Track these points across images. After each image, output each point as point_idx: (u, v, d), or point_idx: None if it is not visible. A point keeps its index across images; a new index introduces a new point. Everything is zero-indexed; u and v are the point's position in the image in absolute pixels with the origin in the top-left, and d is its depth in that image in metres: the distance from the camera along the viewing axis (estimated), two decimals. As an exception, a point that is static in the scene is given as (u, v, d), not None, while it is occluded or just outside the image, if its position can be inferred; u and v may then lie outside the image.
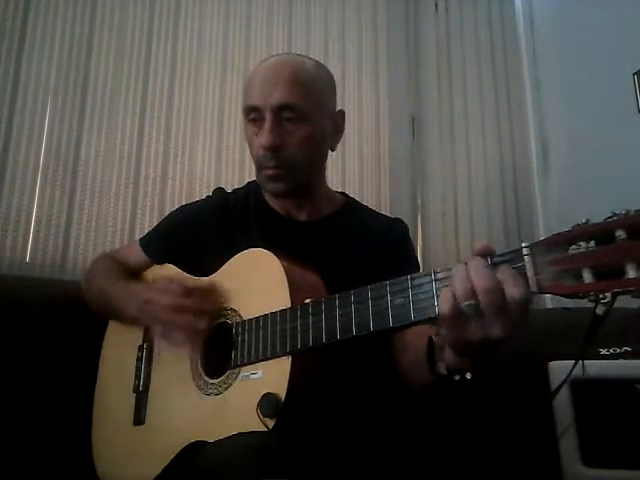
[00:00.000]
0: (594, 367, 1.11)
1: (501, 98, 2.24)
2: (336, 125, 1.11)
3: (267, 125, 0.99)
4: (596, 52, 1.95)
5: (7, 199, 1.51)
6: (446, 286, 0.66)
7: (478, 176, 2.14)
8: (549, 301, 1.99)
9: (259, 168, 1.04)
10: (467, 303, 0.63)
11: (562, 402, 1.13)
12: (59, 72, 1.64)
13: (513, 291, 0.61)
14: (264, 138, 0.99)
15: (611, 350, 1.14)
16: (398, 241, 1.12)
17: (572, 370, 0.74)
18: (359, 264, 1.03)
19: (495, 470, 1.22)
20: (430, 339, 0.79)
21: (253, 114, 1.03)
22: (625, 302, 0.66)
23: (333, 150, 1.12)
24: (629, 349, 1.13)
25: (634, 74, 1.80)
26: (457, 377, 0.74)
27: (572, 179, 2.02)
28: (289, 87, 1.00)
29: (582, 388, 1.12)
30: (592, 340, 0.64)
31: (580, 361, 0.73)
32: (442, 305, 0.65)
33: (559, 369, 1.13)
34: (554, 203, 2.11)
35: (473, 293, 0.62)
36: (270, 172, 1.02)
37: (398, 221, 1.17)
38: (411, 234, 1.20)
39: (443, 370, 0.76)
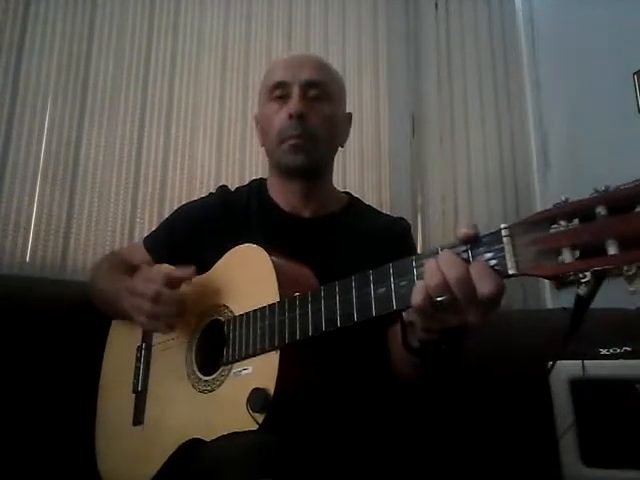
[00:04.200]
0: (594, 367, 1.11)
1: (501, 98, 2.24)
2: (346, 123, 1.18)
3: (295, 96, 1.05)
4: (596, 52, 1.95)
5: (7, 199, 1.51)
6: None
7: (478, 175, 2.14)
8: (549, 301, 2.00)
9: (281, 141, 1.06)
10: (440, 298, 0.63)
11: (562, 402, 1.13)
12: (59, 72, 1.64)
13: (482, 288, 0.60)
14: (292, 106, 1.04)
15: (611, 350, 1.14)
16: (400, 239, 1.12)
17: (566, 338, 0.72)
18: (361, 262, 1.02)
19: (495, 470, 1.22)
20: (401, 317, 0.80)
21: (279, 91, 1.07)
22: (625, 302, 0.65)
23: (342, 146, 1.17)
24: (629, 349, 1.13)
25: (634, 74, 1.80)
26: (430, 347, 0.76)
27: (572, 179, 2.02)
28: (317, 68, 1.10)
29: (582, 388, 1.12)
30: (579, 323, 0.63)
31: (570, 341, 0.72)
32: (414, 298, 0.65)
33: (559, 369, 1.13)
34: (554, 202, 2.11)
35: (445, 285, 0.63)
36: (293, 141, 1.04)
37: (400, 220, 1.18)
38: (411, 233, 1.20)
39: (415, 343, 0.77)
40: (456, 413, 1.32)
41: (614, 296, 0.58)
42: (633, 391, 1.08)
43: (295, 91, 1.05)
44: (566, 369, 1.13)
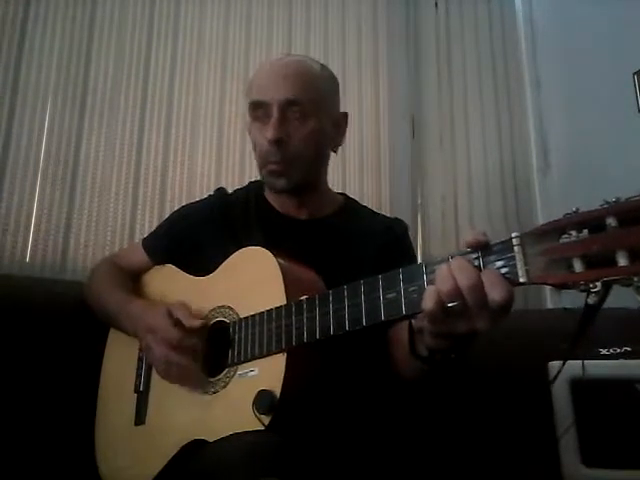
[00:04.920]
0: (594, 367, 1.11)
1: (501, 98, 2.24)
2: (339, 126, 1.13)
3: (273, 119, 1.00)
4: (596, 52, 1.95)
5: (7, 199, 1.51)
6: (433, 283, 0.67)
7: (478, 176, 2.14)
8: (549, 302, 1.99)
9: (263, 164, 1.05)
10: (452, 304, 0.64)
11: (562, 402, 1.13)
12: (59, 72, 1.64)
13: (494, 295, 0.61)
14: (270, 132, 1.00)
15: (611, 350, 1.14)
16: (397, 240, 1.12)
17: (572, 346, 0.72)
18: (359, 263, 1.03)
19: (495, 470, 1.22)
20: (410, 323, 0.80)
21: (259, 110, 1.04)
22: (625, 302, 0.65)
23: (335, 151, 1.14)
24: (629, 349, 1.13)
25: (634, 74, 1.80)
26: (438, 356, 0.76)
27: (572, 179, 2.02)
28: (296, 83, 1.02)
29: (582, 388, 1.12)
30: (585, 330, 0.64)
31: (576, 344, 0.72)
32: (426, 303, 0.66)
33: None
34: (554, 203, 2.11)
35: (457, 291, 0.63)
36: (274, 167, 1.03)
37: (397, 221, 1.18)
38: (411, 234, 1.20)
39: (424, 351, 0.77)
40: (456, 413, 1.32)
41: (615, 295, 0.58)
42: (633, 391, 1.08)
43: (274, 113, 1.00)
44: (566, 369, 1.13)
